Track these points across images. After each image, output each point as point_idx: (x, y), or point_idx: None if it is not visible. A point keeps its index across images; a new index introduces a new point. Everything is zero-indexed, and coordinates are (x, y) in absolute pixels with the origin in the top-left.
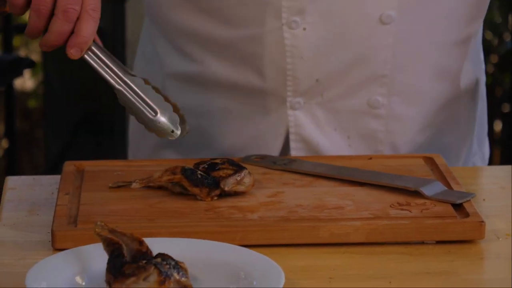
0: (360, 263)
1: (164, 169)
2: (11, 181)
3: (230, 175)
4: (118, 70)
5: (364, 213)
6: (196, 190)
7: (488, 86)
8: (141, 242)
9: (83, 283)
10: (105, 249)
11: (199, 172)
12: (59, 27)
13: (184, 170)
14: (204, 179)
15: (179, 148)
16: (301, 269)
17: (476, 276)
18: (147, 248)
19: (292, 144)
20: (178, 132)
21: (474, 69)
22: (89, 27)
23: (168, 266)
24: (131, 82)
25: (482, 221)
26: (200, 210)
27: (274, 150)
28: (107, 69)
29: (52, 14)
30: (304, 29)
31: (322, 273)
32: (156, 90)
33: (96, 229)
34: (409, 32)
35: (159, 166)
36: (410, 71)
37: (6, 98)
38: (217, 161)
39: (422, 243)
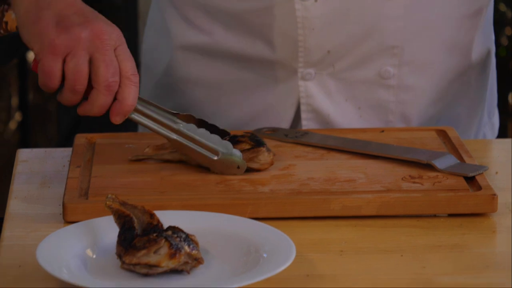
0: (371, 236)
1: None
2: (23, 153)
3: (243, 150)
4: (166, 121)
5: (376, 186)
6: None
7: (503, 59)
8: (152, 215)
9: (94, 256)
10: (116, 221)
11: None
12: (102, 100)
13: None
14: None
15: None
16: (312, 242)
17: (488, 250)
18: (158, 221)
19: (303, 115)
20: (245, 166)
21: (485, 40)
22: (132, 94)
23: (179, 239)
24: (184, 129)
25: (495, 194)
26: (212, 183)
27: (285, 121)
28: (156, 123)
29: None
30: (316, 0)
31: (333, 246)
32: (202, 122)
33: (107, 202)
34: (419, 4)
35: None
36: (421, 42)
37: (19, 72)
38: (239, 134)
39: (434, 216)
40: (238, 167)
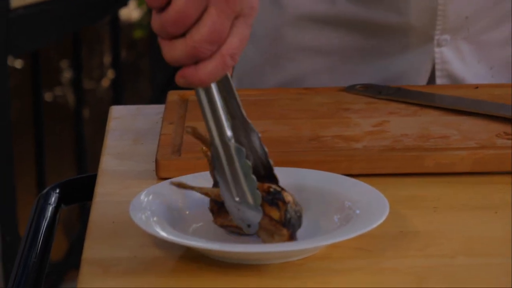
0: (465, 193)
1: None
2: (116, 110)
3: (269, 217)
4: (225, 124)
5: (470, 143)
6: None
7: None
8: None
9: (187, 212)
10: (211, 173)
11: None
12: (177, 54)
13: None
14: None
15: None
16: (406, 199)
17: None
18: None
19: (438, 81)
20: (252, 232)
21: None
22: (211, 72)
23: (275, 197)
24: (231, 147)
25: None
26: (305, 139)
27: None
28: (212, 116)
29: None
30: None
31: (426, 203)
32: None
33: (204, 148)
34: None
35: (263, 95)
36: None
37: (111, 29)
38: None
39: None
40: (249, 226)
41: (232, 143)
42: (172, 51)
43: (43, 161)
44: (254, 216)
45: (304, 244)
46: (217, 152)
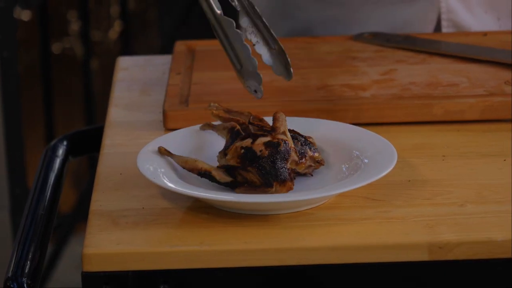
0: (474, 141)
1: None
2: (123, 61)
3: (251, 184)
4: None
5: (479, 90)
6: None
7: None
8: (261, 120)
9: (196, 162)
10: (220, 133)
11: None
12: None
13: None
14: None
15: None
16: (414, 147)
17: None
18: (269, 125)
19: (444, 30)
20: (259, 97)
21: None
22: None
23: (300, 144)
24: (224, 22)
25: None
26: (312, 88)
27: None
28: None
29: None
30: None
31: (435, 150)
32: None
33: (214, 111)
34: None
35: None
36: None
37: None
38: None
39: None
40: (255, 91)
41: (222, 16)
42: None
43: (51, 113)
44: (256, 81)
45: (312, 194)
46: (215, 29)
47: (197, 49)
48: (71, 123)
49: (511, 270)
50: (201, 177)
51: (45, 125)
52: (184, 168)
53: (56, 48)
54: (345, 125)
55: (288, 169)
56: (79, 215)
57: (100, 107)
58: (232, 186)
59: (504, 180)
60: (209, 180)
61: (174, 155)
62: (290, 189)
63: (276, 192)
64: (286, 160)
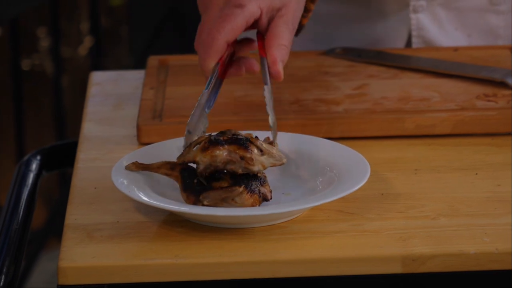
0: (446, 155)
1: (164, 161)
2: (96, 76)
3: (216, 189)
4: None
5: (450, 105)
6: (183, 195)
7: None
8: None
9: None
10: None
11: (196, 179)
12: (196, 46)
13: (182, 171)
14: (196, 187)
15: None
16: (387, 161)
17: None
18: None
19: (414, 47)
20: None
21: None
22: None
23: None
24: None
25: None
26: (286, 103)
27: None
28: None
29: None
30: None
31: (408, 164)
32: None
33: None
34: None
35: None
36: None
37: None
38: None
39: (509, 134)
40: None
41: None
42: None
43: (22, 128)
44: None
45: (286, 207)
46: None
47: (170, 64)
48: (41, 139)
49: (483, 282)
50: (183, 173)
51: (16, 140)
52: (166, 173)
53: (25, 64)
54: (319, 139)
55: (261, 191)
56: (50, 231)
57: (70, 123)
58: (201, 190)
59: (476, 193)
60: (187, 176)
61: (149, 164)
62: (255, 204)
63: (241, 199)
64: (262, 184)
